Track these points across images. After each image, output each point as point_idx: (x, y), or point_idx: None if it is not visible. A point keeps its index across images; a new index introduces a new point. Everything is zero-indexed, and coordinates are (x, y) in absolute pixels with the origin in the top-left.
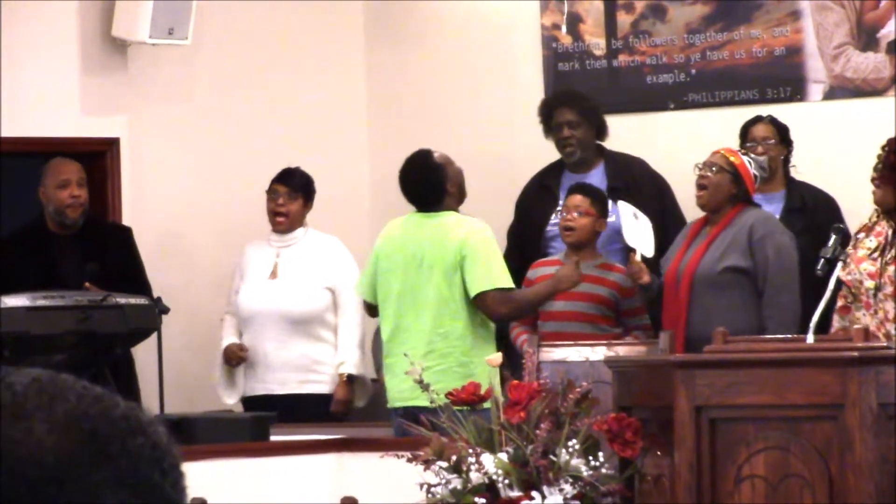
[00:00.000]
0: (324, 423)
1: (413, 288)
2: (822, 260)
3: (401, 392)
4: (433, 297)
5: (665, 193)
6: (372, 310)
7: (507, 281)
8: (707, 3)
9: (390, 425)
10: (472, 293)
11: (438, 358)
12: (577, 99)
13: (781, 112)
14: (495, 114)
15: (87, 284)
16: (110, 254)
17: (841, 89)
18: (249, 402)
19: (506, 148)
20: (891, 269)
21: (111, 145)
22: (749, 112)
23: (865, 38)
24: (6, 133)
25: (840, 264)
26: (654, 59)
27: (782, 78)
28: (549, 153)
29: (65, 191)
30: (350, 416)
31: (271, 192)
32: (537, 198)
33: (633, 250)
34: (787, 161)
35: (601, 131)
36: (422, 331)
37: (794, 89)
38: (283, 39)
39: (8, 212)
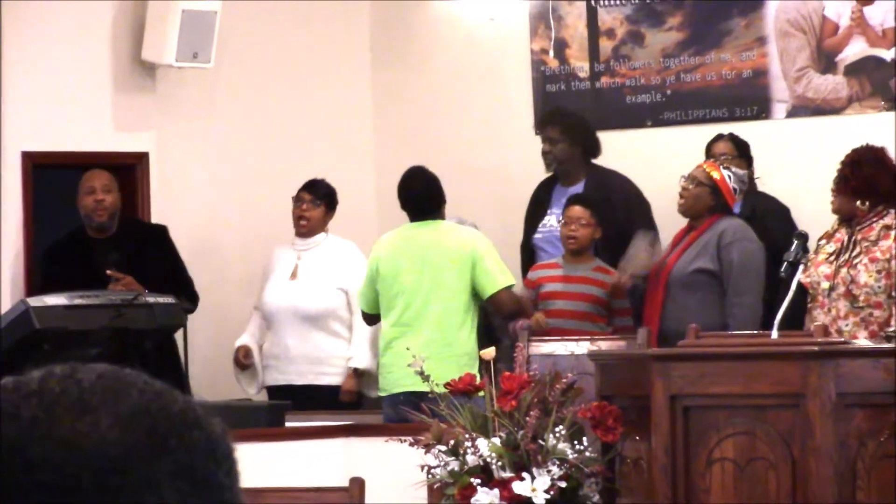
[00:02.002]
0: (335, 410)
1: (416, 289)
2: (785, 263)
3: (401, 379)
4: (436, 296)
5: (636, 209)
6: (370, 319)
7: (511, 279)
8: (681, 30)
9: (392, 413)
10: (488, 293)
11: (441, 347)
12: (560, 117)
13: (748, 129)
14: (489, 129)
15: (109, 272)
16: (150, 253)
17: (802, 108)
18: (272, 391)
19: (498, 160)
20: (843, 271)
21: (141, 159)
22: (719, 129)
23: (825, 62)
24: (45, 147)
25: (801, 266)
26: (633, 80)
27: (749, 98)
28: (536, 166)
29: (90, 196)
30: (362, 404)
31: (297, 199)
32: (533, 209)
33: (620, 269)
34: (750, 175)
35: (589, 149)
36: (427, 325)
37: (760, 108)
38: (296, 62)
39: (47, 221)
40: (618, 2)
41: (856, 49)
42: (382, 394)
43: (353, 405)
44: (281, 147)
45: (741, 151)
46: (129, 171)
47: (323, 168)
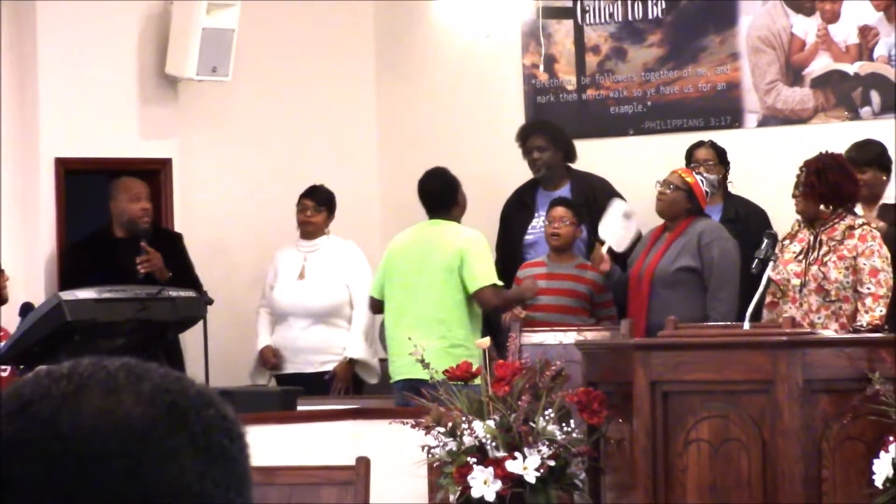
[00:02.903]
0: (341, 396)
1: (415, 283)
2: (756, 260)
3: (401, 367)
4: (433, 292)
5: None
6: (377, 307)
7: (494, 279)
8: (661, 46)
9: (399, 398)
10: (472, 289)
11: (436, 340)
12: (546, 128)
13: (722, 137)
14: (484, 137)
15: (142, 244)
16: (164, 256)
17: (772, 118)
18: (280, 379)
19: (492, 166)
20: (813, 268)
21: (164, 164)
22: (696, 137)
23: (793, 75)
24: (77, 154)
25: (771, 264)
26: (616, 93)
27: (723, 109)
28: (526, 170)
29: (137, 204)
30: (366, 390)
31: (300, 205)
32: (516, 211)
33: (601, 241)
34: (725, 178)
35: (569, 155)
36: (422, 318)
37: (733, 118)
38: (306, 75)
39: (76, 222)
40: (603, 20)
41: (821, 64)
42: (391, 381)
43: (356, 391)
44: (292, 153)
45: (720, 157)
46: (153, 175)
47: (330, 173)
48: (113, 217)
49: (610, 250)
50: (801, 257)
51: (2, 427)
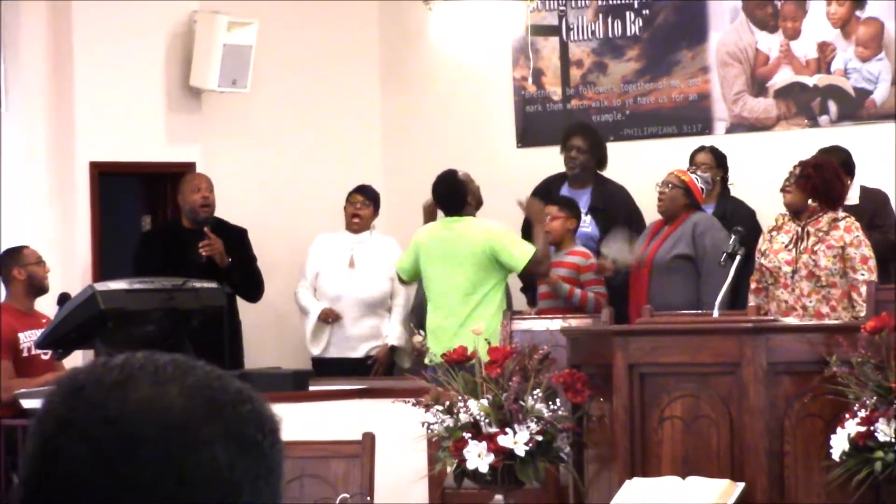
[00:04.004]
0: (356, 377)
1: (447, 275)
2: (724, 254)
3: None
4: (463, 281)
5: (632, 216)
6: (403, 280)
7: (531, 248)
8: (638, 60)
9: (404, 378)
10: (519, 269)
11: (457, 328)
12: (589, 132)
13: (694, 143)
14: (478, 142)
15: (205, 229)
16: (229, 247)
17: (739, 126)
18: (333, 362)
19: (485, 168)
20: (805, 256)
21: (189, 168)
22: (670, 143)
23: (757, 87)
24: (108, 158)
25: (738, 257)
26: (598, 102)
27: (695, 117)
28: (516, 172)
29: (198, 194)
30: (393, 373)
31: (350, 200)
32: (542, 199)
33: (604, 255)
34: (724, 180)
35: (602, 162)
36: (455, 306)
37: (704, 126)
38: (317, 87)
39: (109, 220)
40: (585, 37)
41: (784, 76)
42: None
43: (388, 373)
44: (304, 157)
45: (719, 161)
46: (179, 178)
47: (338, 174)
48: (181, 210)
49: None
50: (790, 247)
51: (56, 407)
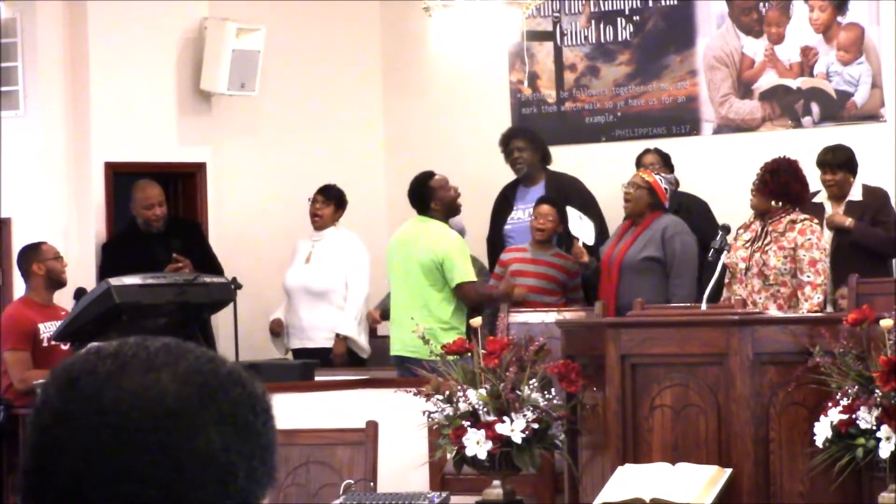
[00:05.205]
0: (344, 367)
1: (404, 274)
2: (712, 249)
3: (394, 344)
4: (412, 282)
5: (588, 203)
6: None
7: (473, 276)
8: (629, 64)
9: (395, 368)
10: (452, 285)
11: (422, 322)
12: (525, 132)
13: (682, 143)
14: (476, 143)
15: (175, 255)
16: (185, 243)
17: (726, 127)
18: (296, 352)
19: (483, 169)
20: (757, 255)
21: (199, 168)
22: (660, 144)
23: (743, 89)
24: (122, 158)
25: (725, 252)
26: (590, 105)
27: (683, 119)
28: (513, 172)
29: (150, 211)
30: (368, 363)
31: (313, 200)
32: (502, 206)
33: (576, 238)
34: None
35: (546, 157)
36: (410, 304)
37: (692, 127)
38: (322, 91)
39: (123, 217)
40: (579, 42)
41: (768, 79)
42: (391, 354)
43: (359, 364)
44: (310, 158)
45: (665, 161)
46: (190, 177)
47: (343, 174)
48: (134, 215)
49: (584, 245)
50: (748, 245)
51: (52, 399)
